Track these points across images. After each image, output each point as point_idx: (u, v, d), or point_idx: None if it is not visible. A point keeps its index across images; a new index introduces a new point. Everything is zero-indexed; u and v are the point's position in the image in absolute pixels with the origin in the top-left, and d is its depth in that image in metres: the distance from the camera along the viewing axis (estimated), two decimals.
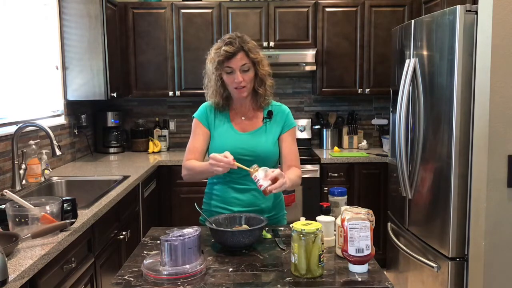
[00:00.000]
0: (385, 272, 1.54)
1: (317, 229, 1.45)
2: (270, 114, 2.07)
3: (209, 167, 1.82)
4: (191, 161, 2.01)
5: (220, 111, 2.07)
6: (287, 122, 2.08)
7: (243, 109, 2.07)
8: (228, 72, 1.93)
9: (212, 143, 2.05)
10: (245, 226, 1.79)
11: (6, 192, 2.00)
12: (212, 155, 1.79)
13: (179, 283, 1.42)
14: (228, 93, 2.03)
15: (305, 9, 4.03)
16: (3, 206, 1.87)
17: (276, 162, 2.08)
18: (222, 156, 1.77)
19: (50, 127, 2.75)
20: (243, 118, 2.06)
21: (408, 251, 2.92)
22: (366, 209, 1.56)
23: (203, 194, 2.17)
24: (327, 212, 1.76)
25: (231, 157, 1.77)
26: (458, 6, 2.38)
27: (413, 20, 2.88)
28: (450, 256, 2.50)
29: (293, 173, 1.96)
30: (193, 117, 2.12)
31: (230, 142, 2.00)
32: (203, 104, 2.13)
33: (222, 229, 1.72)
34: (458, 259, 2.50)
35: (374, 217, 1.54)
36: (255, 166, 1.77)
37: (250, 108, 2.07)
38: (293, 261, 1.48)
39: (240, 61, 1.92)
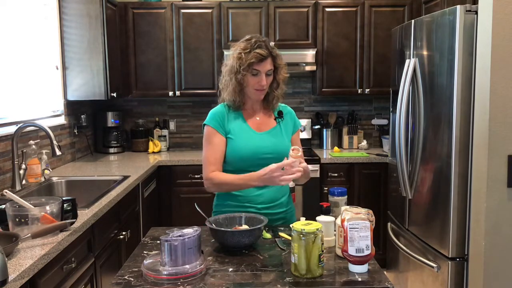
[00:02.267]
0: (385, 272, 1.54)
1: (317, 229, 1.45)
2: (280, 114, 2.13)
3: (261, 178, 1.84)
4: (218, 173, 2.00)
5: (233, 111, 2.07)
6: (296, 122, 2.18)
7: (255, 110, 2.11)
8: (254, 74, 1.96)
9: (233, 144, 2.02)
10: (245, 226, 1.79)
11: (6, 192, 2.00)
12: (271, 169, 1.80)
13: (179, 283, 1.42)
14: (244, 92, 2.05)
15: (305, 9, 4.03)
16: (3, 206, 1.87)
17: None
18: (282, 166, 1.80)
19: (50, 127, 2.75)
20: (257, 118, 2.10)
21: (408, 251, 2.92)
22: (366, 209, 1.56)
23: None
24: (327, 212, 1.76)
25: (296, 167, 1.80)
26: (458, 6, 2.38)
27: (413, 20, 2.88)
28: (450, 256, 2.50)
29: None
30: (205, 124, 2.06)
31: (252, 141, 2.01)
32: (213, 111, 2.09)
33: (222, 229, 1.72)
34: (458, 259, 2.50)
35: (374, 217, 1.54)
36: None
37: (261, 108, 2.12)
38: (293, 261, 1.48)
39: (268, 66, 1.97)
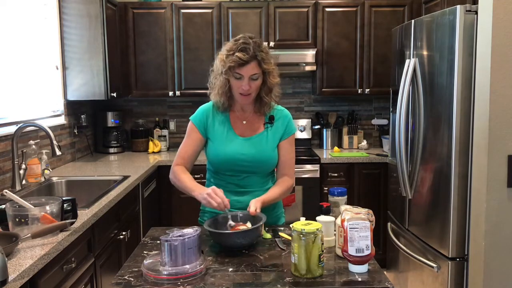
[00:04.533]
0: (385, 272, 1.54)
1: (317, 229, 1.45)
2: (271, 119, 2.04)
3: (198, 194, 1.84)
4: (180, 170, 2.02)
5: (221, 111, 2.03)
6: (288, 128, 2.05)
7: (245, 112, 2.04)
8: (237, 78, 1.89)
9: (212, 146, 2.01)
10: (248, 224, 1.77)
11: (6, 192, 2.00)
12: (214, 188, 1.80)
13: (179, 283, 1.42)
14: (232, 94, 1.99)
15: (305, 9, 4.03)
16: (3, 206, 1.87)
17: (274, 166, 2.07)
18: (222, 195, 1.78)
19: (50, 127, 2.75)
20: (244, 122, 2.03)
21: (408, 251, 2.92)
22: (366, 209, 1.56)
23: None
24: (327, 212, 1.76)
25: (227, 201, 1.78)
26: (458, 6, 2.38)
27: (413, 20, 2.88)
28: (450, 256, 2.50)
29: (282, 186, 2.01)
30: (190, 119, 2.06)
31: (231, 146, 1.97)
32: (202, 107, 2.07)
33: (218, 231, 1.71)
34: (458, 259, 2.50)
35: (374, 217, 1.54)
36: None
37: (252, 112, 2.04)
38: (293, 261, 1.48)
39: (252, 70, 1.87)
